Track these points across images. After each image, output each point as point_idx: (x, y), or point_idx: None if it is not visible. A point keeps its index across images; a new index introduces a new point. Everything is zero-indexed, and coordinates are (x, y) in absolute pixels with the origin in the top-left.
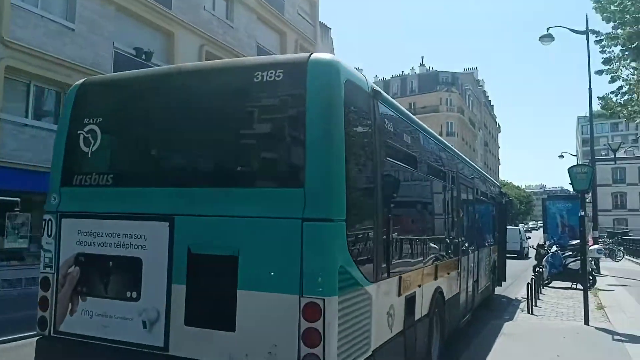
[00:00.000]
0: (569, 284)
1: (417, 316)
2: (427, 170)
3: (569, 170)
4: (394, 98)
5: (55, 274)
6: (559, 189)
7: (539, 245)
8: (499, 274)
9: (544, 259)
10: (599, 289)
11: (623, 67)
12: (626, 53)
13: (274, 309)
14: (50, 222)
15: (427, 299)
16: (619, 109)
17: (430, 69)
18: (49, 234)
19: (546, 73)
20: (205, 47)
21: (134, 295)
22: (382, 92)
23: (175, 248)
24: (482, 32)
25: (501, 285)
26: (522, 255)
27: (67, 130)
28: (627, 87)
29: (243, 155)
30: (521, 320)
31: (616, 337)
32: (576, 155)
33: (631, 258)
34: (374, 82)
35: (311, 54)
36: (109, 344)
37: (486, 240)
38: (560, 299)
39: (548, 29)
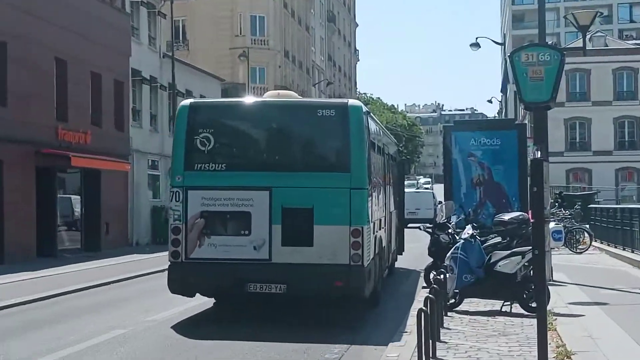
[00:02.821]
0: (496, 303)
1: (377, 250)
2: (383, 155)
3: (511, 57)
4: None
5: (184, 224)
6: (468, 111)
7: (436, 226)
8: (399, 243)
9: (449, 254)
10: (555, 313)
11: None
12: None
13: (335, 233)
14: (178, 193)
15: (378, 240)
16: None
17: None
18: (177, 200)
19: None
20: None
21: (246, 232)
22: (369, 110)
23: (273, 205)
24: None
25: (402, 254)
26: None
27: (185, 136)
28: None
29: (313, 155)
30: None
31: None
32: (502, 44)
33: (603, 244)
34: None
35: (348, 100)
36: (231, 262)
37: (393, 205)
38: (481, 337)
39: None
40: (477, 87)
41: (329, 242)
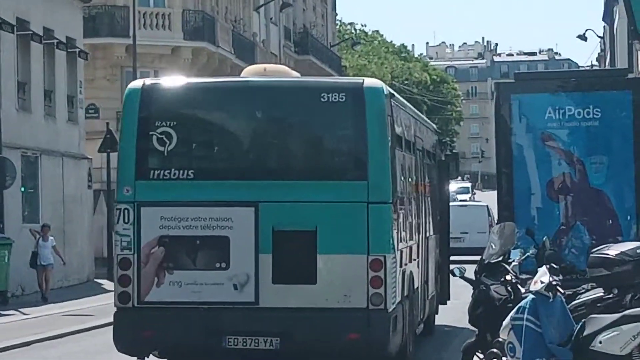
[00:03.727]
0: None
1: (405, 291)
2: (415, 153)
3: None
4: None
5: (136, 255)
6: (543, 55)
7: (483, 269)
8: (441, 285)
9: (508, 321)
10: None
11: None
12: None
13: (347, 265)
14: (127, 211)
15: (408, 273)
16: None
17: None
18: (126, 221)
19: None
20: None
21: (223, 265)
22: (393, 92)
23: (261, 227)
24: None
25: (446, 303)
26: None
27: (136, 132)
28: None
29: (316, 157)
30: None
31: None
32: None
33: None
34: None
35: (364, 80)
36: (202, 306)
37: (432, 227)
38: None
39: None
40: (557, 14)
41: (338, 278)
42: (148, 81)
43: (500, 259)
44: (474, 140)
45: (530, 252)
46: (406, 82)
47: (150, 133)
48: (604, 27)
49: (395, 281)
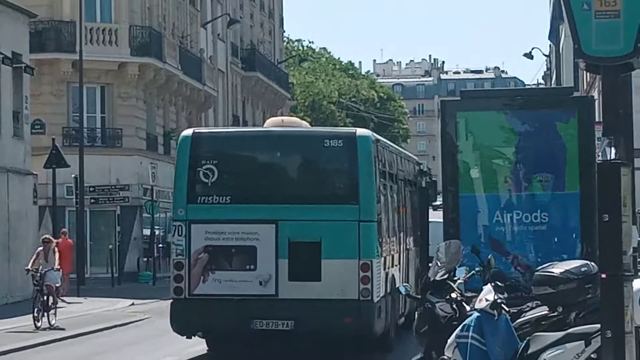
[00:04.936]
0: None
1: (388, 289)
2: (397, 182)
3: None
4: None
5: (187, 259)
6: (489, 73)
7: (428, 287)
8: None
9: (453, 339)
10: None
11: None
12: None
13: (344, 267)
14: (180, 227)
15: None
16: None
17: None
18: (180, 234)
19: None
20: None
21: (252, 267)
22: (379, 138)
23: (280, 239)
24: None
25: None
26: None
27: (187, 168)
28: None
29: (320, 187)
30: None
31: None
32: None
33: None
34: None
35: (356, 130)
36: (236, 297)
37: (412, 240)
38: None
39: None
40: (504, 32)
41: (337, 276)
42: (197, 130)
43: (445, 276)
44: (420, 158)
45: (476, 269)
46: (353, 99)
47: (198, 169)
48: (550, 45)
49: (380, 280)
